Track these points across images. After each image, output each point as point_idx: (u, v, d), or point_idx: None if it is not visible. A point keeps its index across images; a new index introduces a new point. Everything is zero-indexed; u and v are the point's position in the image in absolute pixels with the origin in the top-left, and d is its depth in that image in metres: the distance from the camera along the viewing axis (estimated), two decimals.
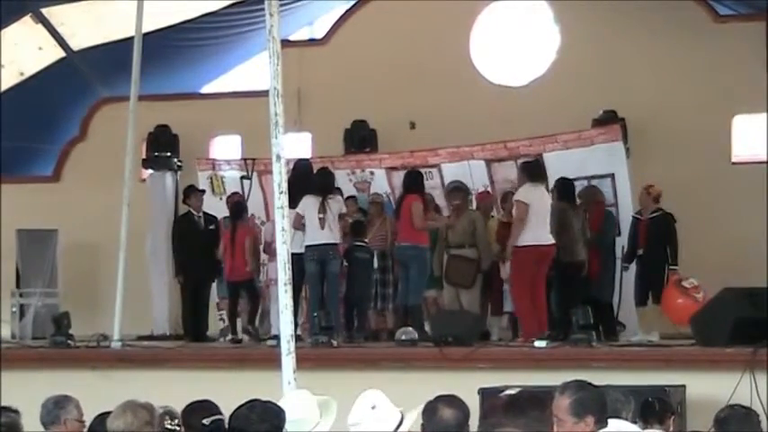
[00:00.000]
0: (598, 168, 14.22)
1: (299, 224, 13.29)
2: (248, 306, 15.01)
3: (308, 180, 13.77)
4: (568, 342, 11.91)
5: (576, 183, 14.05)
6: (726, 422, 6.37)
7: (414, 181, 13.89)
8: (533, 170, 13.36)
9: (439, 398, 5.87)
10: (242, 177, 15.83)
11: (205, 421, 6.31)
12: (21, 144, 18.87)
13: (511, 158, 14.90)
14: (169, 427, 6.50)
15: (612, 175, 14.24)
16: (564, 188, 13.79)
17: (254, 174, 15.60)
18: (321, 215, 13.35)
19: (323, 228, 13.34)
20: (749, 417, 6.46)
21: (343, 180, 15.10)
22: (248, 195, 15.70)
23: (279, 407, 5.52)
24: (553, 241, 12.93)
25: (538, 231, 12.83)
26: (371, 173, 15.32)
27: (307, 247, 13.37)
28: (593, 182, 14.22)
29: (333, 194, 13.73)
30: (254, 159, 15.55)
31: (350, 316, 14.15)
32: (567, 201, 13.63)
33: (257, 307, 15.00)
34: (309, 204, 13.39)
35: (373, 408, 5.47)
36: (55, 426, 7.12)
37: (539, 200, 12.94)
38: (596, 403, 5.72)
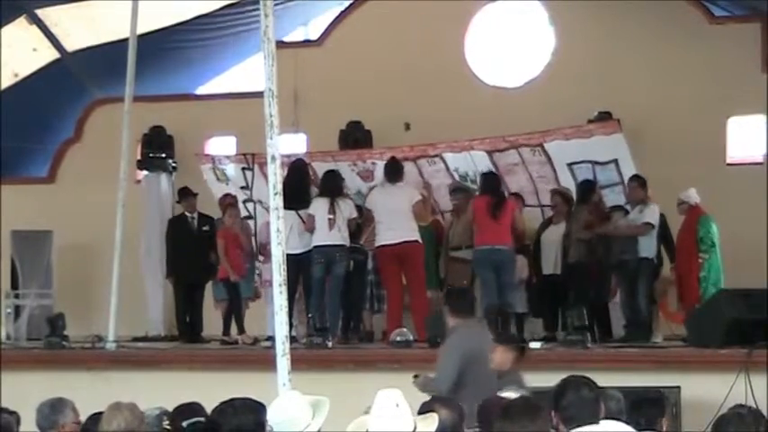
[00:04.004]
0: (601, 155, 14.22)
1: (311, 226, 13.32)
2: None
3: (303, 177, 13.76)
4: (563, 343, 11.92)
5: (582, 165, 14.11)
6: (728, 422, 6.31)
7: (495, 183, 13.77)
8: (390, 169, 13.70)
9: (434, 399, 5.89)
10: (243, 168, 15.83)
11: (184, 423, 6.28)
12: (15, 145, 18.85)
13: (512, 148, 14.87)
14: (167, 427, 6.50)
15: (616, 161, 14.24)
16: (577, 190, 13.84)
17: (255, 165, 15.60)
18: (331, 216, 13.33)
19: (331, 229, 13.33)
20: (749, 418, 6.37)
21: (346, 170, 15.07)
22: (251, 185, 15.70)
23: (258, 402, 5.51)
24: (399, 240, 13.27)
25: (388, 231, 13.28)
26: (373, 163, 15.29)
27: (315, 247, 13.35)
28: (597, 168, 14.24)
29: (342, 196, 13.72)
30: (253, 154, 15.57)
31: (345, 317, 14.13)
32: (581, 202, 13.64)
33: (239, 307, 14.85)
34: (319, 206, 13.39)
35: (398, 406, 5.46)
36: (52, 430, 7.10)
37: (390, 199, 13.30)
38: (569, 401, 5.63)
